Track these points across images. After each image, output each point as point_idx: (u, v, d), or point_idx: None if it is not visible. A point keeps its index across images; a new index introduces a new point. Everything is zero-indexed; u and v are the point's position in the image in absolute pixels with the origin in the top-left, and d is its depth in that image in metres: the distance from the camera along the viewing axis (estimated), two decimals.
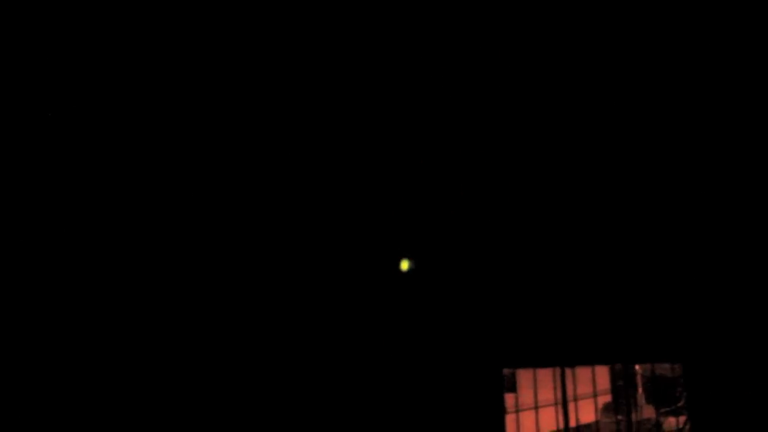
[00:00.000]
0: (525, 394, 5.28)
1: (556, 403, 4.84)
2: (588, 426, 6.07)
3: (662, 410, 6.31)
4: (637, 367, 6.18)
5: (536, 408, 5.01)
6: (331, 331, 4.54)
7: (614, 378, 6.74)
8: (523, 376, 5.41)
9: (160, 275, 4.51)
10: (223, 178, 4.63)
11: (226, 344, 4.47)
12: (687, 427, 5.01)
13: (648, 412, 6.43)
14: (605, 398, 6.75)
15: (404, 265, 4.27)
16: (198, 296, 4.49)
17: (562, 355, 4.66)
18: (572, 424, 5.03)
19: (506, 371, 4.84)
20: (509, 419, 4.73)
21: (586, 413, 6.14)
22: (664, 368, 5.77)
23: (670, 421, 6.51)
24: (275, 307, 4.49)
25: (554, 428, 5.01)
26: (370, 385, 4.57)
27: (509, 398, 5.36)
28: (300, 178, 4.58)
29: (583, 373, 5.26)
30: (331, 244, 4.58)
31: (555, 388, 4.85)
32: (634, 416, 5.55)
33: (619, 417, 6.48)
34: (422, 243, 4.61)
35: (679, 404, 6.16)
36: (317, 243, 4.56)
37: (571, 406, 4.85)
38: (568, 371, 4.86)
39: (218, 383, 4.41)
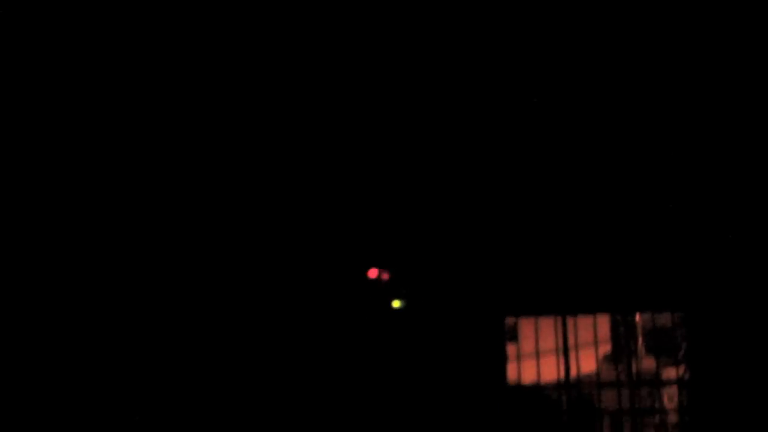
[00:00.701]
0: (526, 344, 5.35)
1: (557, 351, 4.90)
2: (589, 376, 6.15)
3: (662, 361, 6.37)
4: (637, 318, 6.23)
5: (537, 356, 5.08)
6: (331, 284, 4.57)
7: (615, 329, 6.80)
8: (525, 326, 5.47)
9: (158, 275, 4.52)
10: (221, 179, 4.63)
11: (224, 345, 4.49)
12: (686, 376, 5.07)
13: (648, 362, 6.50)
14: (606, 348, 6.82)
15: (396, 303, 4.36)
16: (197, 296, 4.51)
17: (563, 303, 4.71)
18: (573, 373, 5.09)
19: (508, 321, 4.89)
20: (510, 367, 4.78)
21: (587, 363, 6.21)
22: (664, 319, 5.82)
23: (670, 372, 6.57)
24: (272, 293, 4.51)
25: (555, 377, 5.07)
26: (374, 336, 4.62)
27: (511, 348, 5.41)
28: (296, 178, 4.59)
29: (584, 323, 5.30)
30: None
31: (556, 337, 4.91)
32: (634, 367, 5.60)
33: (619, 367, 6.56)
34: (424, 192, 4.62)
35: (679, 355, 6.22)
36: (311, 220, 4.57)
37: (572, 355, 4.91)
38: (569, 321, 4.91)
39: (217, 383, 4.43)
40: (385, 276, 4.46)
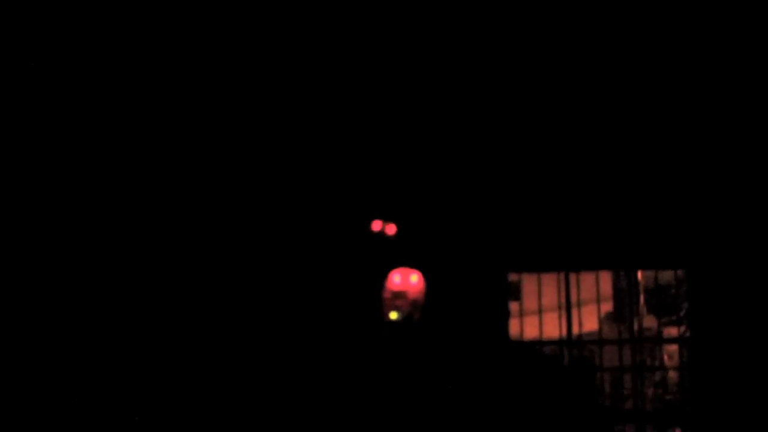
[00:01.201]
0: (529, 301, 5.38)
1: (559, 308, 4.93)
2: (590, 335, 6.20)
3: (663, 320, 6.42)
4: (639, 276, 6.26)
5: (540, 313, 5.11)
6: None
7: (617, 287, 6.84)
8: (527, 284, 5.50)
9: (156, 276, 4.53)
10: (220, 179, 4.63)
11: (223, 345, 4.50)
12: (687, 334, 5.10)
13: (649, 321, 6.56)
14: (607, 306, 6.87)
15: (393, 315, 4.36)
16: (196, 297, 4.52)
17: (566, 259, 4.71)
18: (575, 331, 5.12)
19: (511, 278, 4.91)
20: (513, 324, 4.82)
21: (589, 321, 6.25)
22: (666, 277, 5.84)
23: (671, 331, 6.62)
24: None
25: (557, 334, 5.10)
26: (376, 290, 4.64)
27: (513, 306, 5.44)
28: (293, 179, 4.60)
29: (586, 281, 5.33)
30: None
31: (559, 294, 4.93)
32: (635, 326, 5.63)
33: (621, 326, 6.60)
34: (425, 147, 4.60)
35: (680, 314, 6.25)
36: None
37: (574, 313, 4.93)
38: (572, 277, 4.93)
39: (216, 384, 4.45)
40: (390, 229, 4.45)
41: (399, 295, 3.87)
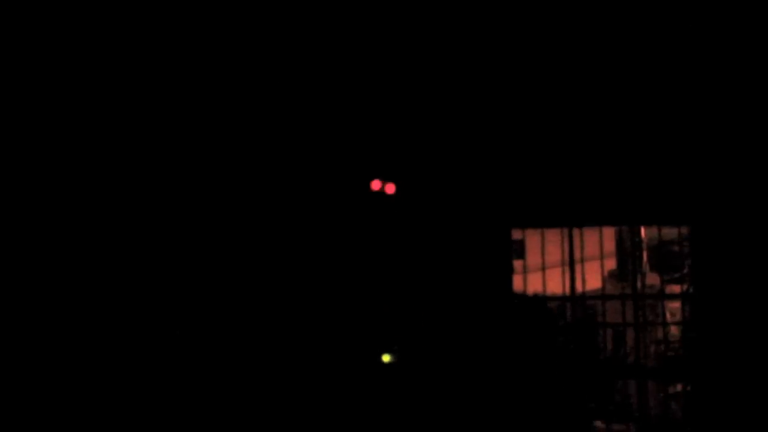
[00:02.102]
0: (532, 258, 5.39)
1: (562, 265, 4.94)
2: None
3: (666, 278, 6.43)
4: (642, 234, 6.26)
5: (543, 269, 5.13)
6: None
7: (620, 244, 6.84)
8: (531, 242, 5.51)
9: (155, 276, 4.52)
10: (220, 179, 4.61)
11: (223, 345, 4.50)
12: (689, 291, 5.11)
13: (652, 279, 6.56)
14: (611, 264, 6.88)
15: (386, 358, 4.40)
16: (195, 297, 4.51)
17: (570, 215, 4.71)
18: (578, 288, 5.14)
19: (515, 234, 4.91)
20: (516, 280, 4.83)
21: (592, 280, 6.27)
22: (669, 235, 5.85)
23: (674, 289, 6.63)
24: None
25: (560, 290, 5.13)
26: (380, 249, 4.65)
27: (517, 264, 5.45)
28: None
29: (590, 238, 5.33)
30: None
31: (562, 251, 4.94)
32: (638, 283, 5.65)
33: (624, 284, 6.62)
34: (428, 101, 4.58)
35: (683, 272, 6.26)
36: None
37: (577, 270, 4.95)
38: (575, 235, 4.93)
39: (215, 384, 4.46)
40: (389, 189, 4.45)
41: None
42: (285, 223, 4.59)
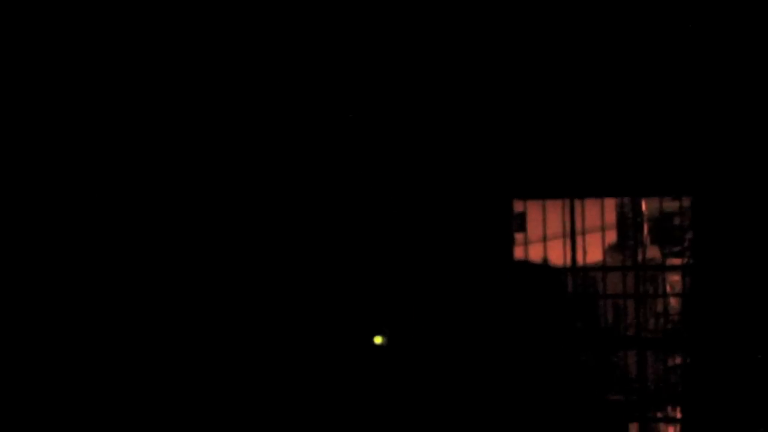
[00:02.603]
0: (533, 229, 5.40)
1: (564, 237, 4.95)
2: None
3: (667, 251, 6.44)
4: (643, 207, 6.26)
5: (545, 240, 5.13)
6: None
7: (621, 217, 6.85)
8: (532, 213, 5.51)
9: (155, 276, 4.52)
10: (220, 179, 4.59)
11: (223, 345, 4.50)
12: (690, 263, 5.12)
13: (653, 252, 6.57)
14: (612, 237, 6.89)
15: (378, 340, 4.37)
16: (195, 297, 4.51)
17: (571, 185, 4.71)
18: (579, 260, 5.15)
19: (516, 209, 4.91)
20: (517, 251, 4.84)
21: (593, 253, 6.28)
22: (671, 208, 5.85)
23: (674, 263, 6.64)
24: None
25: (561, 262, 5.13)
26: (380, 215, 4.65)
27: (518, 236, 5.46)
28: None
29: (591, 210, 5.34)
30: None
31: (563, 222, 4.95)
32: (639, 256, 5.66)
33: (625, 257, 6.63)
34: (428, 71, 4.56)
35: (684, 245, 6.27)
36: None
37: (578, 241, 4.95)
38: (576, 206, 4.93)
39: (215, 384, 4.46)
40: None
41: None
42: (268, 194, 4.58)
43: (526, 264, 2.92)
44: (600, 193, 4.89)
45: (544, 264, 4.56)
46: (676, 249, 6.31)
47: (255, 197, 4.58)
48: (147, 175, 4.55)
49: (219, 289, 4.52)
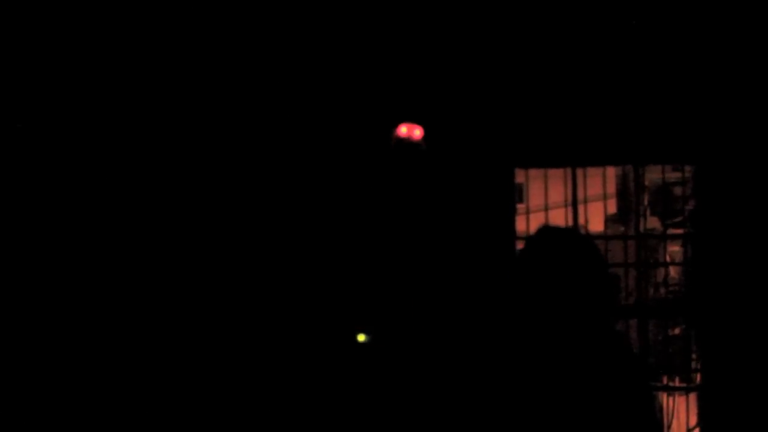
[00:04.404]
0: (535, 199, 5.40)
1: (566, 205, 4.95)
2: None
3: (667, 222, 6.44)
4: (645, 178, 6.26)
5: (546, 209, 5.13)
6: None
7: (623, 188, 6.85)
8: (534, 184, 5.52)
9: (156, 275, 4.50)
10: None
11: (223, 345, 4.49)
12: (691, 232, 5.11)
13: (653, 222, 6.58)
14: (613, 207, 6.90)
15: (361, 337, 4.35)
16: (196, 297, 4.49)
17: (573, 153, 4.69)
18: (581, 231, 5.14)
19: (518, 175, 4.90)
20: (519, 220, 4.84)
21: (594, 223, 6.30)
22: (672, 178, 5.85)
23: (675, 232, 6.65)
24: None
25: None
26: (382, 184, 4.63)
27: (520, 207, 5.46)
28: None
29: (593, 180, 5.33)
30: None
31: (565, 192, 4.94)
32: (640, 226, 5.66)
33: (625, 227, 6.65)
34: (429, 39, 4.53)
35: (685, 216, 6.27)
36: None
37: (580, 210, 4.95)
38: (579, 176, 4.93)
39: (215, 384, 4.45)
40: (416, 133, 4.40)
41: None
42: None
43: (549, 230, 2.31)
44: (602, 162, 4.87)
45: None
46: (677, 220, 6.32)
47: (237, 185, 4.57)
48: (147, 175, 4.55)
49: (207, 286, 4.51)
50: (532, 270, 2.18)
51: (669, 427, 5.36)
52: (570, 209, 4.94)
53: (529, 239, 2.33)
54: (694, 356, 5.37)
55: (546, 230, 2.33)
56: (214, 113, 4.55)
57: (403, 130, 4.45)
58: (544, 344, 2.15)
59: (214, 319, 4.45)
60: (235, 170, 4.56)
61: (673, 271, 6.27)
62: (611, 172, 6.43)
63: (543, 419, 2.12)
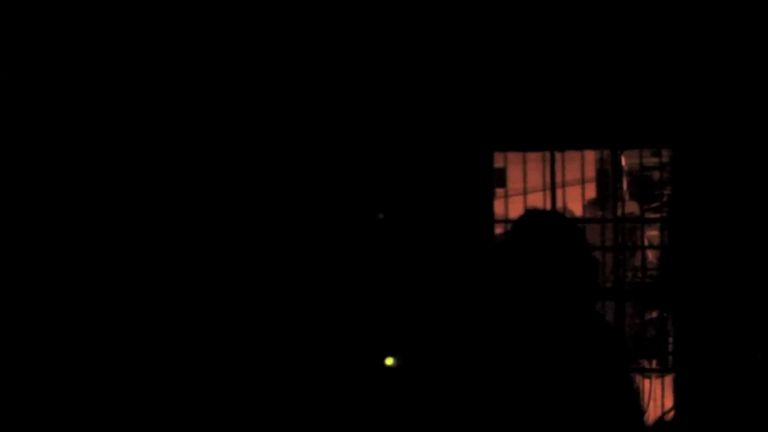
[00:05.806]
0: (513, 183, 5.41)
1: (544, 189, 4.95)
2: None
3: (645, 207, 6.47)
4: (623, 163, 6.28)
5: (525, 193, 5.14)
6: None
7: (601, 172, 6.88)
8: (513, 168, 5.51)
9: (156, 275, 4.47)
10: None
11: (223, 347, 4.47)
12: (669, 217, 5.14)
13: (631, 207, 6.61)
14: (591, 193, 6.93)
15: (389, 361, 4.34)
16: (196, 296, 4.46)
17: (552, 137, 4.70)
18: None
19: (497, 160, 4.90)
20: (497, 204, 4.84)
21: (574, 206, 6.31)
22: (651, 163, 5.87)
23: (653, 216, 6.68)
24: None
25: None
26: (363, 170, 4.62)
27: (498, 191, 5.46)
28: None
29: (571, 165, 5.34)
30: None
31: (543, 176, 4.95)
32: (619, 210, 5.68)
33: (604, 212, 6.68)
34: (406, 18, 4.51)
35: (663, 201, 6.30)
36: None
37: (559, 193, 4.96)
38: (557, 160, 4.93)
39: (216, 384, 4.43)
40: None
41: None
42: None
43: (535, 213, 2.38)
44: (581, 145, 4.88)
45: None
46: (655, 205, 6.35)
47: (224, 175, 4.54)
48: (146, 176, 4.52)
49: (219, 299, 4.49)
50: (519, 252, 2.24)
51: (645, 409, 5.41)
52: (549, 193, 4.95)
53: (515, 222, 2.37)
54: (670, 339, 5.41)
55: (532, 213, 2.45)
56: (220, 114, 4.51)
57: None
58: (529, 326, 2.22)
59: (241, 350, 4.42)
60: (250, 179, 4.53)
61: (651, 255, 6.31)
62: (590, 156, 6.44)
63: (528, 401, 2.17)
